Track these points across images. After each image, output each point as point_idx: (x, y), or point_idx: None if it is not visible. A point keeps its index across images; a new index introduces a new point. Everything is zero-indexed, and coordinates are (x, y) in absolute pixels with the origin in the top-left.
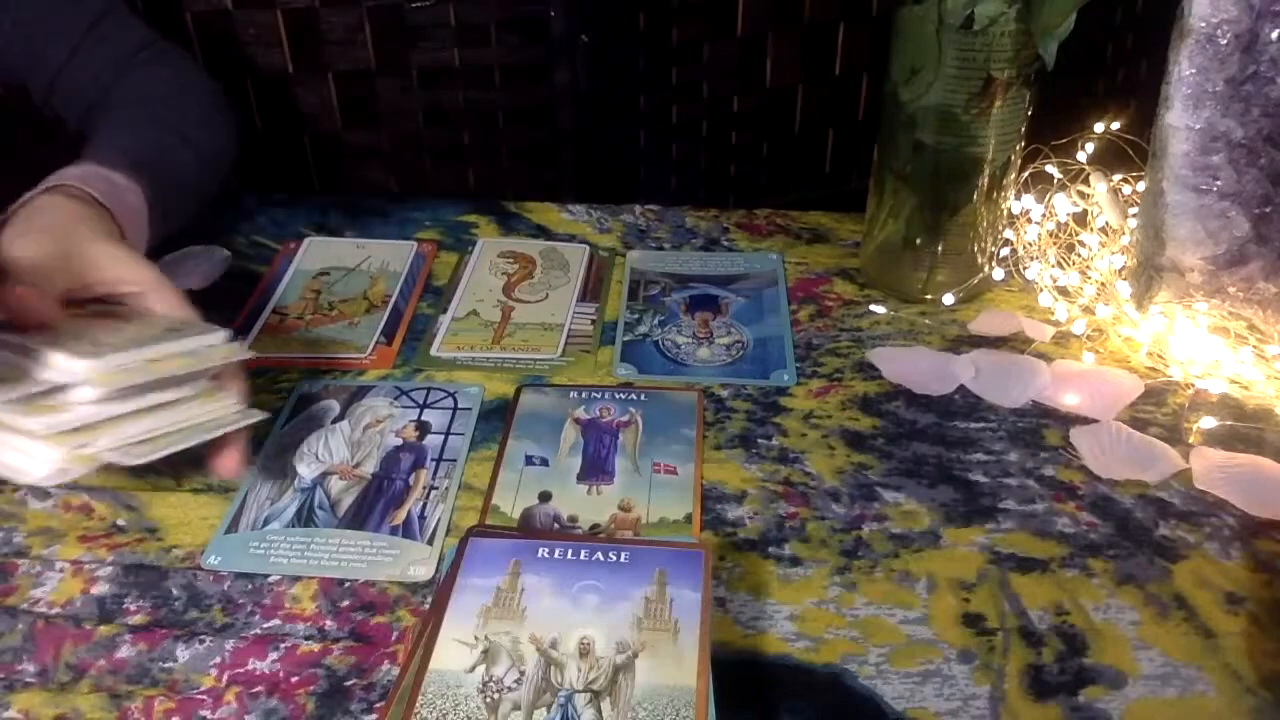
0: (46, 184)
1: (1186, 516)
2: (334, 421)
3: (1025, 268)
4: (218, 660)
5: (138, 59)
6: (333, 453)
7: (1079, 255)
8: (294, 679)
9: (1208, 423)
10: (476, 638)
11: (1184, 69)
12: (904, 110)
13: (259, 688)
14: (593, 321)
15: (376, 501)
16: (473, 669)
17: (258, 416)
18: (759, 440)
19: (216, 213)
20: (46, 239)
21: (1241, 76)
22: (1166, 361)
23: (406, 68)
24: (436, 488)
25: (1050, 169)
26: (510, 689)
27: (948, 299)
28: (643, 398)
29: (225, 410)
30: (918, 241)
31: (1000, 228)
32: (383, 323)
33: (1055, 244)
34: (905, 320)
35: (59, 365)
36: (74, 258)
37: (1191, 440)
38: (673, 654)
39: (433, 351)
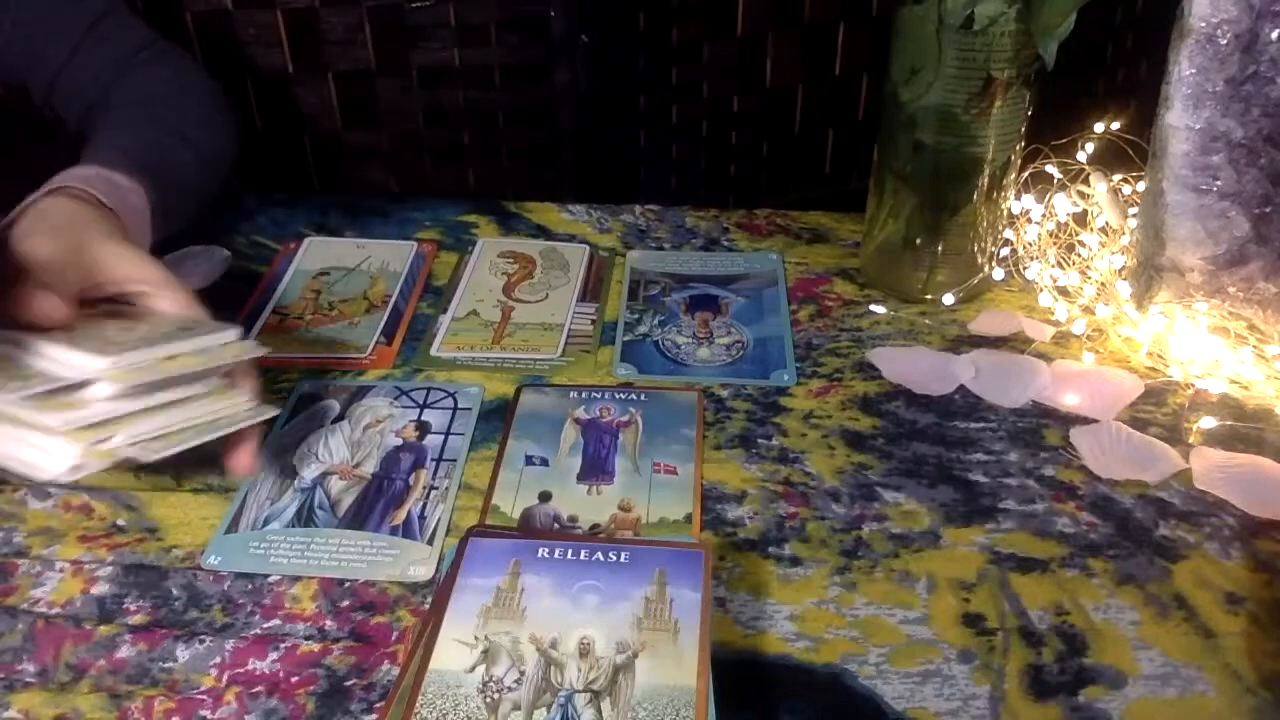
0: (50, 186)
1: (1186, 516)
2: (334, 421)
3: (1025, 268)
4: (218, 660)
5: (138, 59)
6: (333, 453)
7: (1079, 255)
8: (294, 679)
9: (1208, 423)
10: (476, 638)
11: (1184, 69)
12: (904, 110)
13: (259, 688)
14: (593, 321)
15: (376, 501)
16: (473, 669)
17: (271, 413)
18: (759, 440)
19: (216, 213)
20: (56, 239)
21: (1241, 76)
22: (1166, 361)
23: (406, 68)
24: (436, 488)
25: (1050, 169)
26: (510, 689)
27: (948, 299)
28: (643, 398)
29: (238, 407)
30: (918, 241)
31: (1000, 228)
32: (383, 323)
33: (1055, 244)
34: (905, 320)
35: (74, 363)
36: (83, 257)
37: (1191, 440)
38: (673, 654)
39: (433, 351)
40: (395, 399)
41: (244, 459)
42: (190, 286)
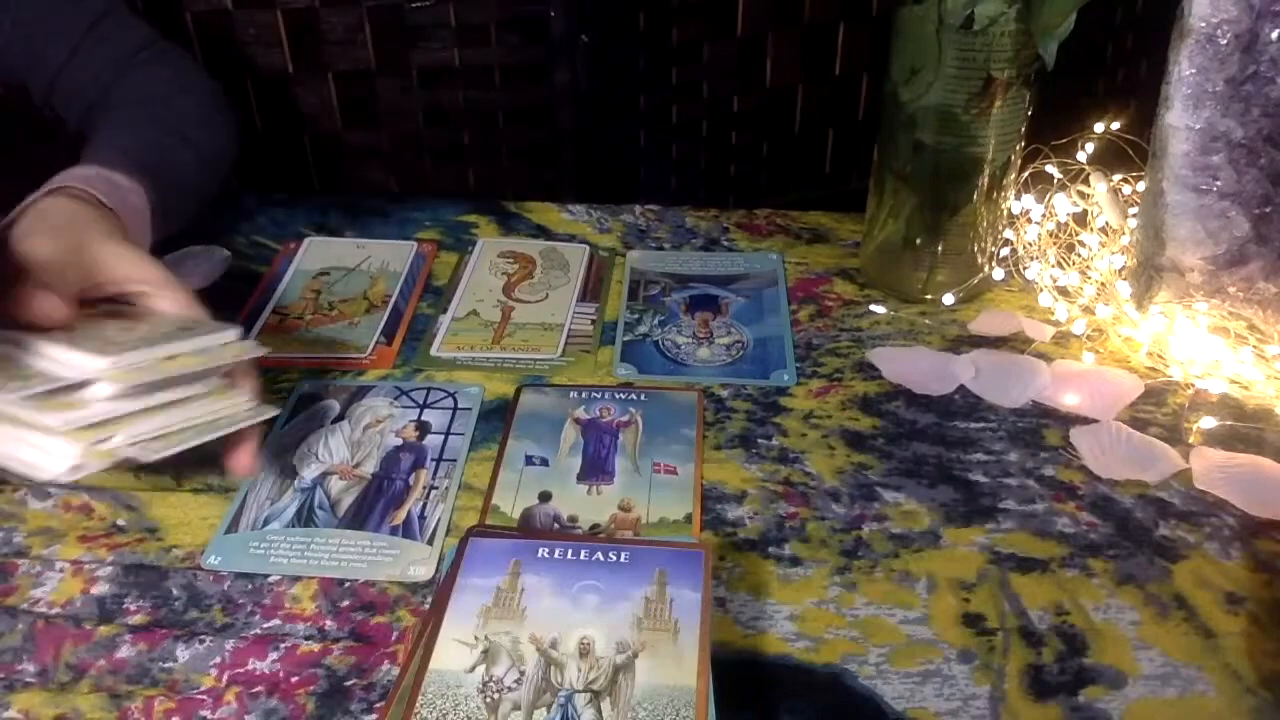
0: (50, 186)
1: (1186, 516)
2: (334, 421)
3: (1025, 268)
4: (218, 660)
5: (138, 59)
6: (333, 453)
7: (1079, 255)
8: (294, 679)
9: (1208, 423)
10: (476, 638)
11: (1184, 69)
12: (904, 110)
13: (259, 688)
14: (593, 321)
15: (376, 501)
16: (473, 669)
17: (271, 412)
18: (759, 440)
19: (216, 213)
20: (56, 239)
21: (1241, 76)
22: (1166, 361)
23: (406, 68)
24: (436, 488)
25: (1050, 169)
26: (510, 689)
27: (948, 299)
28: (643, 398)
29: (238, 407)
30: (918, 241)
31: (1000, 228)
32: (383, 323)
33: (1055, 244)
34: (905, 320)
35: (74, 363)
36: (84, 257)
37: (1191, 440)
38: (673, 654)
39: (433, 351)
40: (395, 399)
41: (244, 459)
42: (190, 286)
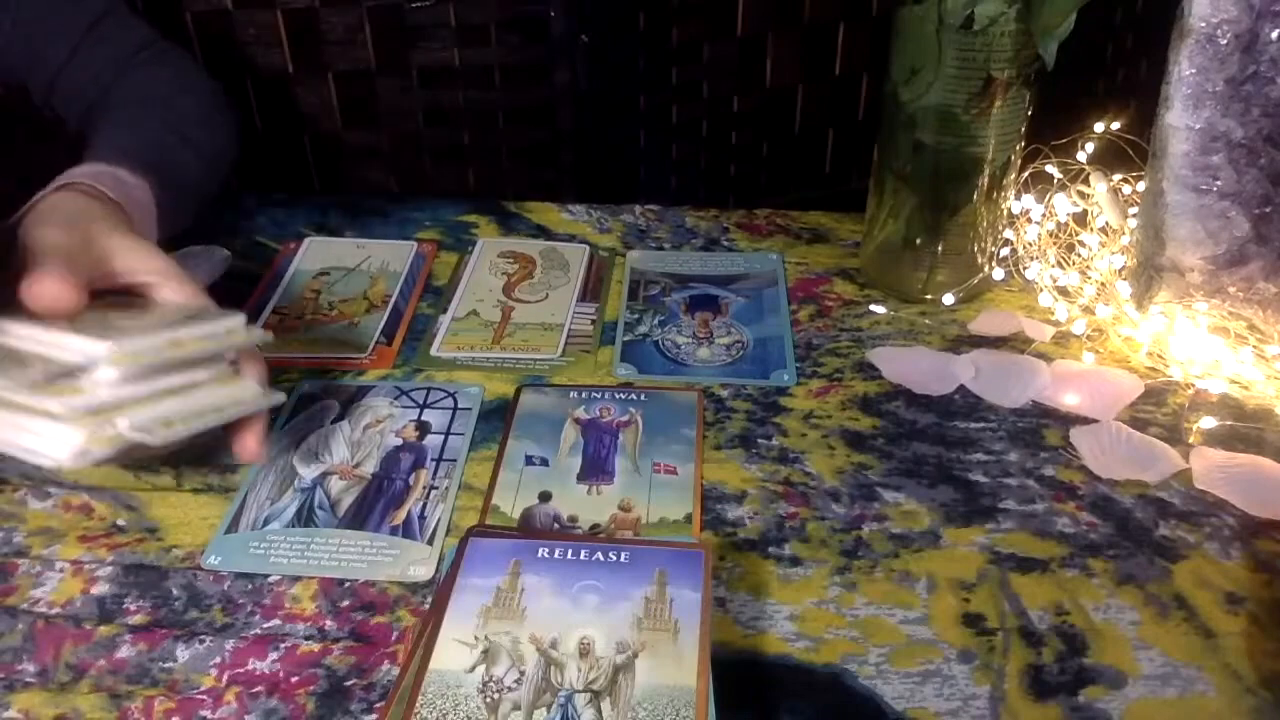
0: (57, 183)
1: (1186, 516)
2: (334, 421)
3: (1025, 268)
4: (218, 660)
5: (138, 59)
6: (333, 453)
7: (1079, 255)
8: (294, 679)
9: (1208, 423)
10: (476, 638)
11: (1184, 69)
12: (904, 110)
13: (259, 688)
14: (593, 321)
15: (376, 501)
16: (473, 669)
17: (278, 399)
18: (759, 440)
19: (216, 213)
20: (66, 230)
21: (1241, 76)
22: (1166, 361)
23: (406, 68)
24: (436, 488)
25: (1050, 169)
26: (510, 689)
27: (948, 299)
28: (643, 398)
29: (244, 393)
30: (918, 241)
31: (1000, 228)
32: (383, 323)
33: (1055, 244)
34: (905, 320)
35: (77, 347)
36: (93, 248)
37: (1191, 440)
38: (673, 654)
39: (433, 351)
40: (395, 399)
41: (251, 444)
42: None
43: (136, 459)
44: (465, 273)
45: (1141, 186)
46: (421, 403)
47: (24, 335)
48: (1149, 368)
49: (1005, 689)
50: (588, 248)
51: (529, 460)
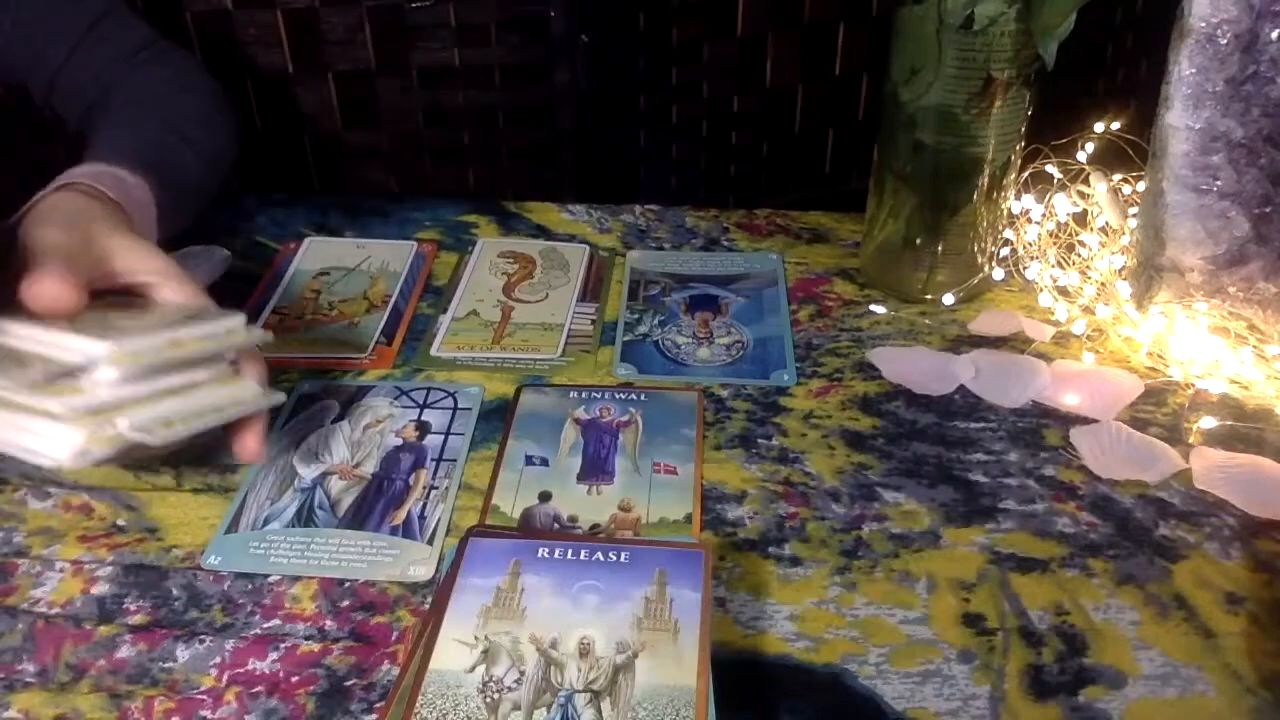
0: (57, 183)
1: (1186, 516)
2: (334, 421)
3: (1025, 268)
4: (218, 660)
5: (138, 59)
6: (333, 453)
7: (1079, 255)
8: (294, 679)
9: (1208, 423)
10: (476, 638)
11: (1184, 69)
12: (904, 110)
13: (259, 688)
14: (593, 321)
15: (376, 501)
16: (473, 669)
17: (279, 399)
18: (759, 440)
19: (216, 213)
20: (67, 230)
21: (1241, 76)
22: (1166, 361)
23: (406, 68)
24: (436, 488)
25: (1050, 169)
26: (510, 689)
27: (948, 299)
28: (643, 398)
29: (245, 393)
30: (918, 241)
31: (1000, 228)
32: (383, 323)
33: (1055, 244)
34: (905, 320)
35: (78, 347)
36: (93, 248)
37: (1191, 440)
38: (673, 654)
39: (433, 351)
40: (395, 399)
41: (251, 444)
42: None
43: (137, 459)
44: (465, 273)
45: (1141, 186)
46: (421, 403)
47: (24, 335)
48: (1149, 368)
49: (1005, 689)
50: (588, 248)
51: (529, 460)
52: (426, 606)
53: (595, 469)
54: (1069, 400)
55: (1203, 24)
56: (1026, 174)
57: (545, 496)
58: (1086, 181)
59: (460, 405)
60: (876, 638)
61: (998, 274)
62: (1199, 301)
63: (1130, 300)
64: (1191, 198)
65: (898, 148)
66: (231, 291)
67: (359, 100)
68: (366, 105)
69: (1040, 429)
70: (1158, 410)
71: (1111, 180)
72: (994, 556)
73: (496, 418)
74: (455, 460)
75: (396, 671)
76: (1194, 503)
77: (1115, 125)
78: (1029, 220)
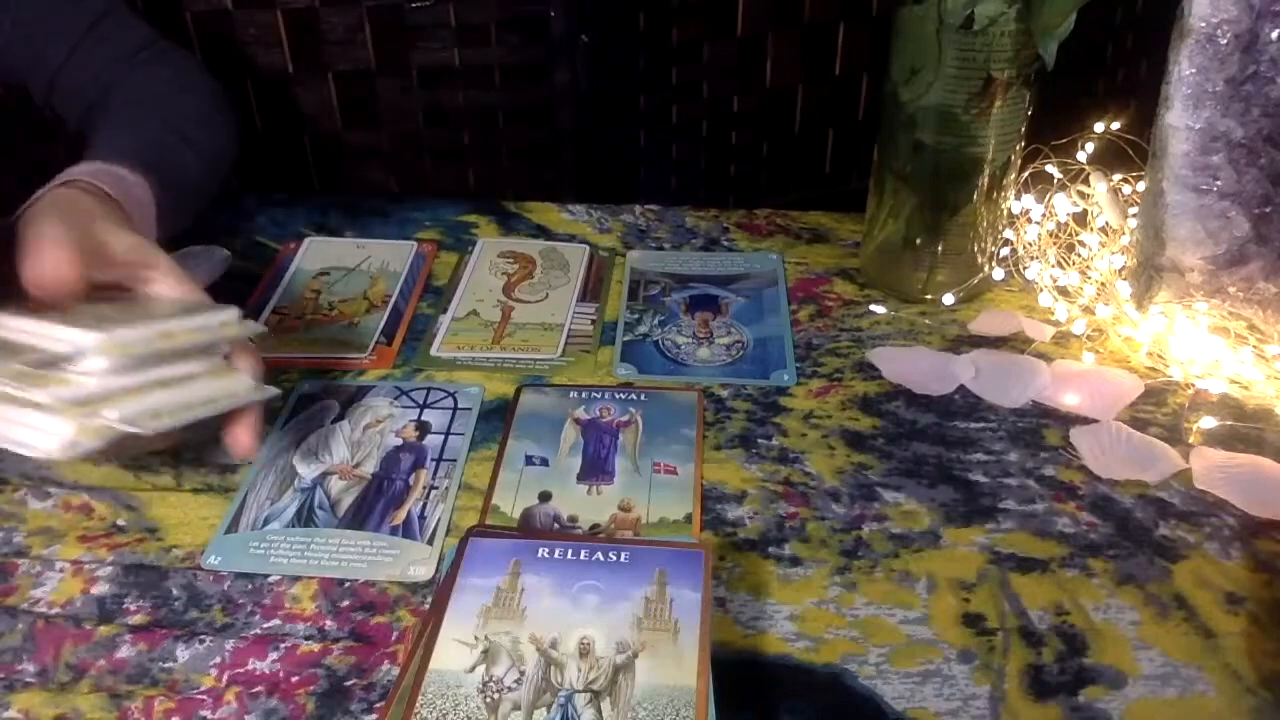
0: (58, 181)
1: (1186, 516)
2: (334, 421)
3: (1025, 268)
4: (218, 660)
5: (138, 59)
6: (333, 453)
7: (1079, 255)
8: (294, 679)
9: (1208, 423)
10: (476, 638)
11: (1184, 69)
12: (904, 110)
13: (259, 688)
14: (593, 321)
15: (376, 501)
16: (473, 669)
17: (271, 392)
18: (759, 440)
19: (216, 213)
20: (67, 225)
21: (1241, 76)
22: (1166, 361)
23: (406, 68)
24: (436, 488)
25: (1050, 169)
26: (510, 689)
27: (948, 299)
28: (643, 398)
29: (238, 386)
30: (918, 241)
31: (1000, 228)
32: (383, 323)
33: (1055, 244)
34: (905, 320)
35: (68, 338)
36: (92, 242)
37: (1191, 440)
38: (673, 654)
39: (433, 351)
40: (395, 399)
41: (243, 437)
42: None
43: (135, 454)
44: (465, 273)
45: (1141, 186)
46: (421, 403)
47: (15, 327)
48: (1149, 368)
49: (1005, 689)
50: (588, 248)
51: (529, 460)
52: (426, 606)
53: (595, 469)
54: (1069, 400)
55: (1203, 24)
56: (1026, 174)
57: (545, 496)
58: (1086, 181)
59: (460, 405)
60: (876, 638)
61: (998, 274)
62: (1199, 301)
63: (1130, 300)
64: (1191, 198)
65: (898, 148)
66: (231, 291)
67: (359, 100)
68: (366, 105)
69: (1040, 429)
70: (1158, 410)
71: (1111, 180)
72: (994, 556)
73: (496, 418)
74: (455, 460)
75: (396, 671)
76: (1194, 503)
77: (1115, 125)
78: (1029, 220)
